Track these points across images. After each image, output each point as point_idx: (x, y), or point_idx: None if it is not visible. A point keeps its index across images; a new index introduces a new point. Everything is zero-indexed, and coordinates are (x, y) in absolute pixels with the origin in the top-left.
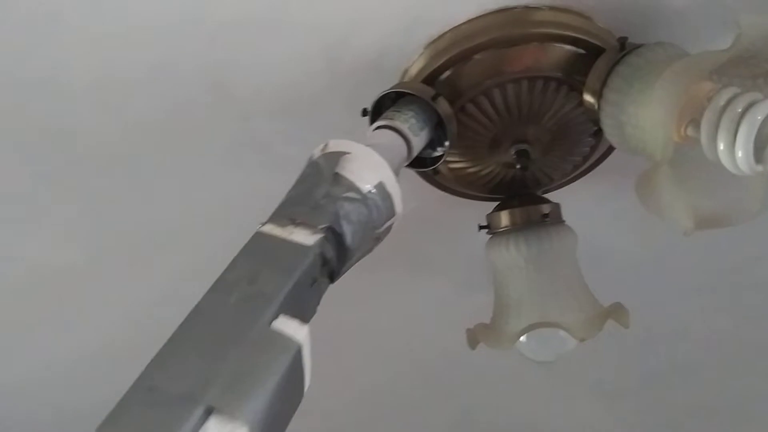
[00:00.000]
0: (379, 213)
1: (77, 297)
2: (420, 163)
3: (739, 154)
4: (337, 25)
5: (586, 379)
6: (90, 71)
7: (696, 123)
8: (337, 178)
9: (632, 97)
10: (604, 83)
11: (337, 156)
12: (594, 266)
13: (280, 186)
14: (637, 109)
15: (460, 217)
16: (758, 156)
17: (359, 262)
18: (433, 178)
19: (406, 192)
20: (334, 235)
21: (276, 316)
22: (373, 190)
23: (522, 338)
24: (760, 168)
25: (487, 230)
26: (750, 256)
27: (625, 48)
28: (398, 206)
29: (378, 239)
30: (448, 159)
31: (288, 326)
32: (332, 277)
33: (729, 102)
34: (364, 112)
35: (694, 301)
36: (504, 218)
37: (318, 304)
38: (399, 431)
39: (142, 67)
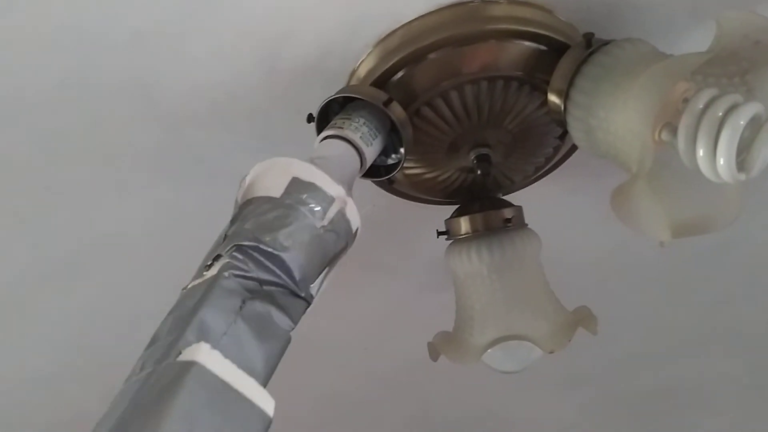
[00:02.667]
0: (307, 206)
1: None
2: (373, 171)
3: (721, 161)
4: (273, 23)
5: (546, 368)
6: None
7: (671, 127)
8: (244, 205)
9: (602, 100)
10: (570, 83)
11: (240, 184)
12: (553, 264)
13: (216, 198)
14: (607, 113)
15: (416, 222)
16: (740, 163)
17: None
18: (388, 185)
19: (356, 198)
20: (256, 252)
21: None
22: (285, 191)
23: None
24: (742, 176)
25: (446, 237)
26: (703, 249)
27: (591, 45)
28: (330, 188)
29: (334, 231)
30: (404, 165)
31: (186, 354)
32: (291, 289)
33: (708, 105)
34: (310, 118)
35: (650, 293)
36: (464, 224)
37: (282, 316)
38: (348, 429)
39: (52, 75)
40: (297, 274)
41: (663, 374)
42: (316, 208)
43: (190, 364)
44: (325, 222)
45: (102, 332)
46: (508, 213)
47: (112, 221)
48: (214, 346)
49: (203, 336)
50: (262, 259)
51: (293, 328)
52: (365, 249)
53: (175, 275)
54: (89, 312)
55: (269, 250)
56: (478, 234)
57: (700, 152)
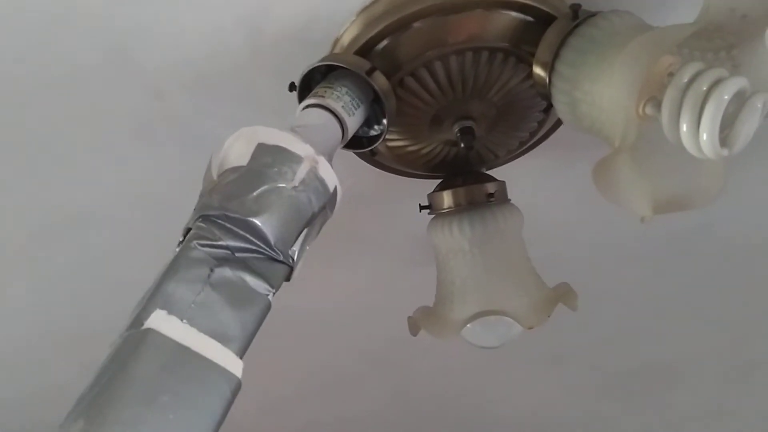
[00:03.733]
0: (274, 169)
1: None
2: (355, 142)
3: (704, 137)
4: None
5: (528, 346)
6: None
7: (655, 101)
8: (210, 174)
9: (587, 73)
10: (555, 55)
11: (212, 160)
12: (535, 241)
13: (197, 164)
14: (593, 85)
15: (398, 196)
16: (724, 139)
17: None
18: (370, 158)
19: (338, 171)
20: (223, 220)
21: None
22: (251, 158)
23: (467, 325)
24: (725, 152)
25: (428, 210)
26: (687, 228)
27: (578, 17)
28: (297, 149)
29: (306, 191)
30: (387, 137)
31: (149, 322)
32: (267, 254)
33: (693, 79)
34: (292, 87)
35: (632, 271)
36: (446, 199)
37: (258, 281)
38: (339, 406)
39: (29, 38)
40: (271, 238)
41: (645, 351)
42: (285, 170)
43: (146, 332)
44: (296, 182)
45: (81, 302)
46: (491, 188)
47: (93, 189)
48: (181, 316)
49: (168, 307)
50: (230, 226)
51: (273, 293)
52: (347, 223)
53: (156, 245)
54: (68, 281)
55: (236, 216)
56: (460, 208)
57: (684, 127)
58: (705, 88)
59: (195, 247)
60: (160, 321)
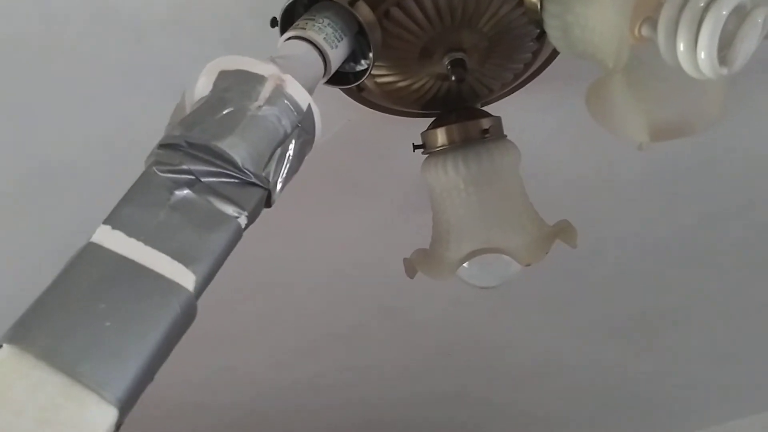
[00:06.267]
0: (234, 91)
1: None
2: (342, 79)
3: (702, 55)
4: None
5: (533, 290)
6: None
7: (652, 21)
8: (183, 110)
9: None
10: None
11: (184, 97)
12: (536, 179)
13: None
14: (585, 8)
15: (391, 136)
16: (722, 57)
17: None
18: (359, 95)
19: (330, 112)
20: (185, 146)
21: None
22: (213, 86)
23: (464, 265)
24: (724, 71)
25: (422, 150)
26: (690, 164)
27: None
28: (259, 69)
29: (273, 109)
30: (375, 73)
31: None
32: (237, 176)
33: None
34: (274, 23)
35: (635, 211)
36: (440, 136)
37: (227, 205)
38: (345, 357)
39: None
40: (238, 160)
41: (649, 295)
42: (246, 90)
43: (86, 246)
44: (260, 102)
45: (64, 255)
46: (485, 123)
47: (78, 139)
48: (137, 236)
49: (119, 227)
50: (193, 152)
51: (245, 215)
52: (342, 167)
53: None
54: (51, 234)
55: (199, 142)
56: (454, 146)
57: (681, 46)
58: (702, 5)
59: (154, 173)
60: (102, 235)
